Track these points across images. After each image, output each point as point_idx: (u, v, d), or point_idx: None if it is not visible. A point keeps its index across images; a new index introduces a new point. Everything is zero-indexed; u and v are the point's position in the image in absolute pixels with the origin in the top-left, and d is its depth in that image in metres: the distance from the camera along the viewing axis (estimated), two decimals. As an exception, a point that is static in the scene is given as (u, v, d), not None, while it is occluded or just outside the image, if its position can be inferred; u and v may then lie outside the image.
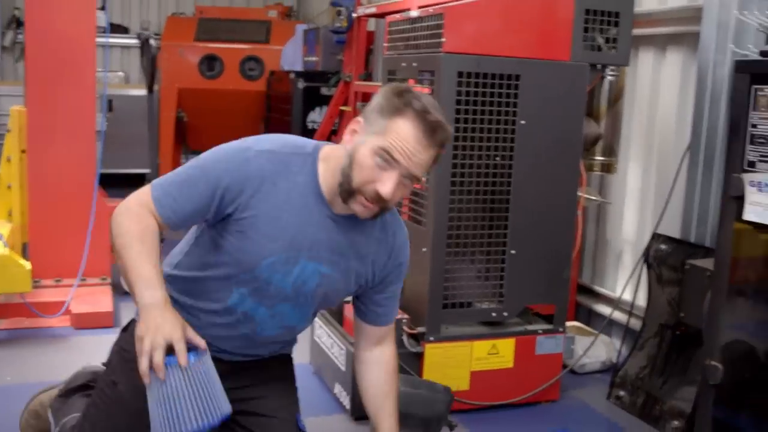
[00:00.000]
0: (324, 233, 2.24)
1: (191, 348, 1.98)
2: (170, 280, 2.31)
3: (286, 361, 2.60)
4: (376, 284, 2.43)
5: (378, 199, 2.11)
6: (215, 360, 2.07)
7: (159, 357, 1.90)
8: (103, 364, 2.50)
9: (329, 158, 2.23)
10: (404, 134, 2.07)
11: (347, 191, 2.13)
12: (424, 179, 3.31)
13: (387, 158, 2.08)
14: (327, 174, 2.21)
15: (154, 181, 2.21)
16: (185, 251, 2.37)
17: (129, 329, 2.42)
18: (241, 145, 2.21)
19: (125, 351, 2.35)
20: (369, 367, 2.54)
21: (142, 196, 2.18)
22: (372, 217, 2.20)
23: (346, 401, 3.59)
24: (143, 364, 1.91)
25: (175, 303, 2.18)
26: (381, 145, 2.08)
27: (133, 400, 2.19)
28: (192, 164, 2.21)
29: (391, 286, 2.48)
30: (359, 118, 2.18)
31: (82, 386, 2.73)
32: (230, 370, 2.32)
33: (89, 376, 2.75)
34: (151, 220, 2.15)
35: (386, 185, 2.08)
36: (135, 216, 2.13)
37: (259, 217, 2.17)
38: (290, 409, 2.51)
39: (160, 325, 1.95)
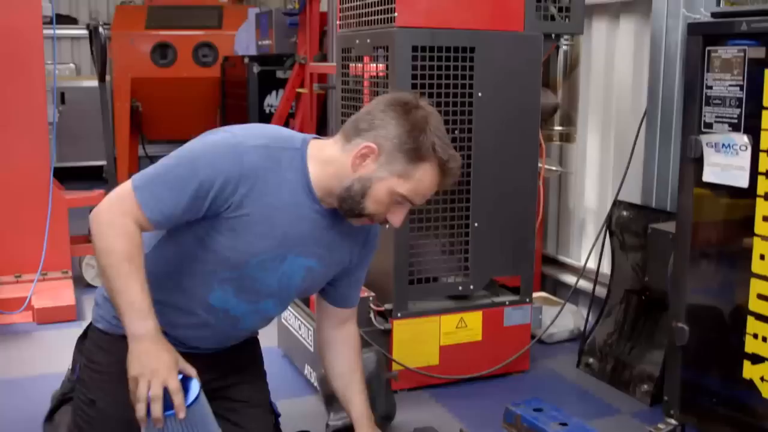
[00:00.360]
0: (313, 228, 2.23)
1: (185, 381, 1.96)
2: None
3: (254, 343, 2.59)
4: (350, 269, 2.45)
5: (383, 223, 2.22)
6: (188, 357, 2.05)
7: (158, 410, 1.88)
8: (72, 381, 2.41)
9: (322, 158, 2.20)
10: (427, 184, 2.15)
11: (355, 214, 2.17)
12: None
13: (405, 201, 2.16)
14: (321, 175, 2.19)
15: (138, 181, 2.06)
16: (153, 244, 2.24)
17: (89, 337, 2.36)
18: (231, 139, 2.10)
19: (93, 363, 2.29)
20: (335, 346, 2.55)
21: (125, 199, 2.04)
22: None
23: (316, 382, 3.58)
24: (141, 411, 1.89)
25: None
26: (403, 193, 2.13)
27: (118, 413, 2.14)
28: (180, 160, 2.08)
29: (360, 272, 2.51)
30: (373, 145, 2.12)
31: (60, 402, 2.59)
32: (203, 363, 2.25)
33: (62, 391, 2.61)
34: (137, 231, 2.03)
35: (398, 219, 2.20)
36: (121, 230, 2.01)
37: (252, 215, 2.11)
38: (263, 394, 2.51)
39: (156, 369, 1.91)
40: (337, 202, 2.18)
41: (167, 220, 2.06)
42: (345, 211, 2.18)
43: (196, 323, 2.26)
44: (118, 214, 2.02)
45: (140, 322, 1.97)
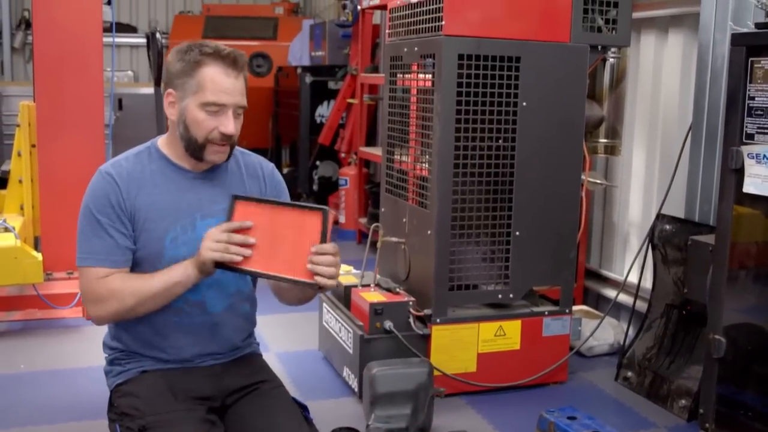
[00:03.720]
0: (198, 190, 2.43)
1: None
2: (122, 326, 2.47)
3: (255, 357, 2.65)
4: None
5: (226, 138, 2.33)
6: (197, 374, 2.39)
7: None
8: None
9: (165, 140, 2.47)
10: (214, 79, 2.30)
11: (197, 148, 2.35)
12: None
13: (216, 108, 2.30)
14: (169, 147, 2.44)
15: (78, 261, 2.36)
16: None
17: (114, 402, 2.44)
18: (97, 173, 2.40)
19: (128, 409, 2.35)
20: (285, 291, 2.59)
21: (88, 282, 2.34)
22: (228, 158, 2.42)
23: (354, 384, 3.62)
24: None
25: (136, 335, 2.43)
26: (203, 101, 2.30)
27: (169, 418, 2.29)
28: (81, 219, 2.38)
29: None
30: (169, 90, 2.37)
31: None
32: (213, 380, 2.44)
33: None
34: (114, 281, 2.32)
35: (228, 126, 2.32)
36: (107, 295, 2.31)
37: (142, 209, 2.36)
38: (282, 390, 2.54)
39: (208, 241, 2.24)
40: (187, 153, 2.39)
41: (119, 255, 2.34)
42: (194, 154, 2.37)
43: (177, 328, 2.42)
44: (92, 291, 2.34)
45: (180, 273, 2.29)
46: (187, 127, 2.33)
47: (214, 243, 2.21)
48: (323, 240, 2.21)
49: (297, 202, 2.32)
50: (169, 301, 2.33)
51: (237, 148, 2.55)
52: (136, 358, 2.45)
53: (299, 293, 2.51)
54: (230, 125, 2.31)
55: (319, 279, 2.20)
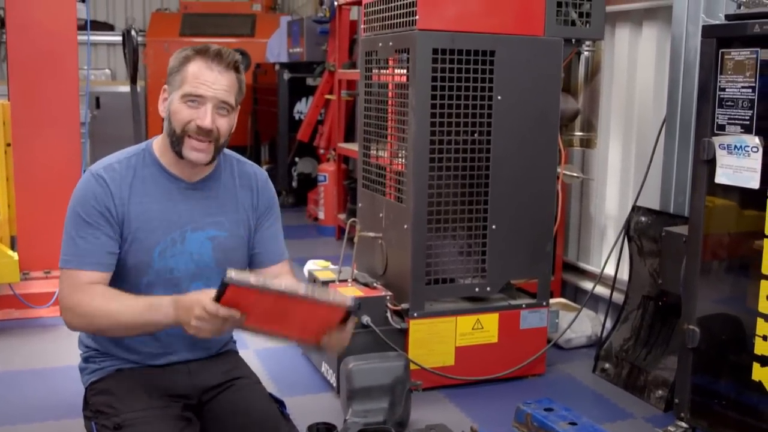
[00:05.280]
0: (191, 202, 2.41)
1: None
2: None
3: (231, 352, 2.66)
4: (257, 224, 2.54)
5: (203, 132, 2.29)
6: (173, 370, 2.34)
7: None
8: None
9: (159, 143, 2.43)
10: (196, 72, 2.29)
11: (176, 141, 2.32)
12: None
13: (194, 98, 2.28)
14: (163, 151, 2.40)
15: (61, 262, 2.32)
16: None
17: (89, 401, 2.43)
18: (86, 175, 2.36)
19: (102, 407, 2.35)
20: None
21: (67, 287, 2.29)
22: (211, 159, 2.36)
23: (332, 379, 3.62)
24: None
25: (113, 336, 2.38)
26: (184, 92, 2.29)
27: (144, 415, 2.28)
28: (68, 222, 2.34)
29: (271, 225, 2.58)
30: (164, 87, 2.38)
31: None
32: (189, 375, 2.45)
33: None
34: (94, 298, 2.25)
35: (204, 119, 2.28)
36: (82, 311, 2.25)
37: (132, 218, 2.33)
38: (258, 386, 2.53)
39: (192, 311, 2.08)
40: (171, 150, 2.35)
41: (108, 258, 2.30)
42: (174, 148, 2.33)
43: (158, 332, 2.37)
44: (69, 297, 2.28)
45: (161, 318, 2.17)
46: (170, 120, 2.32)
47: (205, 324, 2.05)
48: (341, 329, 2.11)
49: (310, 294, 2.00)
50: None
51: (233, 155, 2.55)
52: (111, 357, 2.44)
53: None
54: (206, 118, 2.28)
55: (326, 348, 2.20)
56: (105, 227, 2.29)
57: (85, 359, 2.50)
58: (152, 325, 2.22)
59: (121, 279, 2.35)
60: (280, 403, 2.52)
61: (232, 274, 1.94)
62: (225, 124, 2.34)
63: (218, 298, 1.99)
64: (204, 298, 2.03)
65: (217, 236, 2.43)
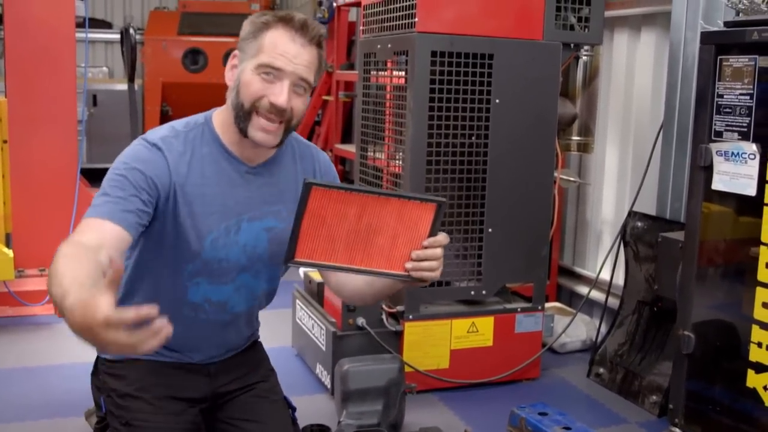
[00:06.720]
0: (250, 189, 2.18)
1: None
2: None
3: (256, 345, 2.55)
4: None
5: (276, 110, 2.04)
6: (197, 370, 2.20)
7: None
8: (101, 416, 2.33)
9: (221, 116, 2.19)
10: (277, 41, 2.03)
11: (243, 116, 2.06)
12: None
13: (270, 70, 2.03)
14: (224, 130, 2.16)
15: (90, 209, 1.95)
16: (127, 274, 2.20)
17: (101, 371, 2.30)
18: (141, 143, 2.10)
19: (114, 391, 2.23)
20: (346, 282, 2.30)
21: (83, 224, 1.91)
22: (280, 142, 2.12)
23: (327, 381, 3.62)
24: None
25: None
26: (260, 62, 2.03)
27: (157, 425, 2.18)
28: (103, 184, 2.02)
29: None
30: (234, 52, 2.13)
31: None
32: (212, 372, 2.32)
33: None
34: (84, 242, 1.78)
35: (280, 95, 2.02)
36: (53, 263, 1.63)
37: (185, 200, 2.08)
38: (277, 389, 2.50)
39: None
40: (235, 126, 2.10)
41: (134, 217, 1.96)
42: (240, 125, 2.08)
43: (189, 324, 2.21)
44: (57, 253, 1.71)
45: (68, 307, 1.51)
46: (238, 91, 2.06)
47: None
48: (434, 233, 1.93)
49: (394, 192, 1.95)
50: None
51: (293, 134, 2.26)
52: None
53: (384, 289, 2.18)
54: (282, 95, 2.01)
55: (424, 274, 1.95)
56: (143, 194, 1.99)
57: None
58: (59, 305, 1.52)
59: (163, 263, 2.15)
60: (293, 410, 2.49)
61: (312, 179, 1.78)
62: (300, 104, 2.09)
63: (302, 207, 1.83)
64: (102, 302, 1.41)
65: (275, 227, 2.20)
